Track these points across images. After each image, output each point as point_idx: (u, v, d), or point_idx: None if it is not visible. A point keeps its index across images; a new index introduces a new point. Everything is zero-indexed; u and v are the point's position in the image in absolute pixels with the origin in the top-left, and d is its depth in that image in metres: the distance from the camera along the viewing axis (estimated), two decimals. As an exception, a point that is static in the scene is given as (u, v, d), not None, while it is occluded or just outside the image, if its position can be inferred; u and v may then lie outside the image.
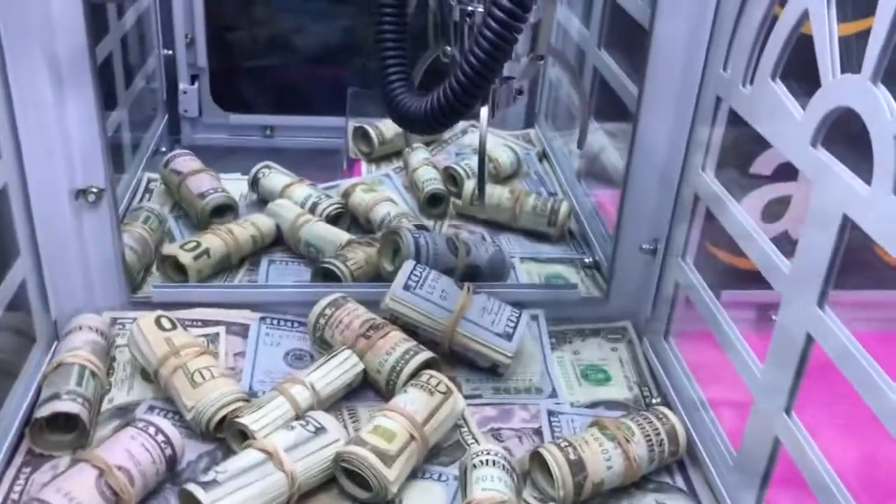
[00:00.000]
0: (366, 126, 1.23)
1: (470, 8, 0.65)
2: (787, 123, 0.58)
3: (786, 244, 0.90)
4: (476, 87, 0.61)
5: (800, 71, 0.61)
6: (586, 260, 1.00)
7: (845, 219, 0.52)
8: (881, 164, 0.49)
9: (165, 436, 0.67)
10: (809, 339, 0.56)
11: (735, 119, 0.73)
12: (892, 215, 0.48)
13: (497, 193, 1.07)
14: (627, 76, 0.94)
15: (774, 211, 0.86)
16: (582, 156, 1.15)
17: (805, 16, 0.56)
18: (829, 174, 0.54)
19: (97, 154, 0.77)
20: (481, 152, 0.72)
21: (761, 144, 0.88)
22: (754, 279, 0.91)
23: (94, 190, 0.79)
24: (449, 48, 0.70)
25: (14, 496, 0.66)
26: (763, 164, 0.86)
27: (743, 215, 0.67)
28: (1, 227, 0.70)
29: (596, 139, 1.11)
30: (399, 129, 1.24)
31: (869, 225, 0.50)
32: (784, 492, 0.64)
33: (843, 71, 0.53)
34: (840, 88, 0.53)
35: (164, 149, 1.23)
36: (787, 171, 0.87)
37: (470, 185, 1.08)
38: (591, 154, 1.14)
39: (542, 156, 1.27)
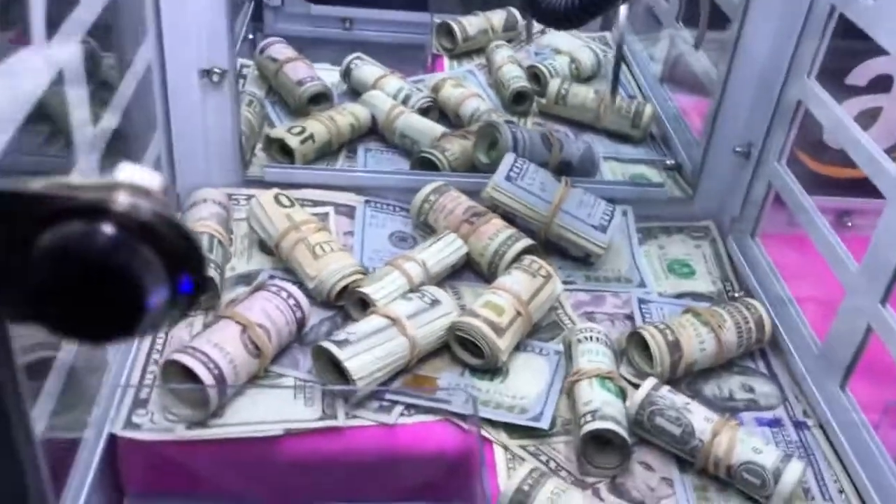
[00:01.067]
0: (450, 22, 1.25)
1: None
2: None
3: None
4: None
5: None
6: (668, 162, 1.04)
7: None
8: None
9: (296, 300, 0.73)
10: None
11: (837, 31, 0.75)
12: None
13: (582, 93, 1.10)
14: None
15: (865, 122, 0.89)
16: (666, 61, 1.17)
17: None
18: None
19: (222, 37, 0.81)
20: (618, 54, 0.74)
21: (858, 57, 0.90)
22: (837, 186, 0.95)
23: (218, 70, 0.83)
24: None
25: (157, 349, 0.73)
26: (858, 76, 0.88)
27: (850, 122, 0.70)
28: (146, 103, 0.75)
29: (681, 42, 1.13)
30: (482, 27, 1.27)
31: None
32: (865, 378, 0.70)
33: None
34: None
35: (251, 36, 1.26)
36: (881, 83, 0.90)
37: (555, 84, 1.11)
38: (673, 59, 1.16)
39: (622, 59, 1.28)
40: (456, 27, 1.24)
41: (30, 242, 0.26)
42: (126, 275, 0.26)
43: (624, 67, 1.27)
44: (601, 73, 1.24)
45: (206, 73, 0.83)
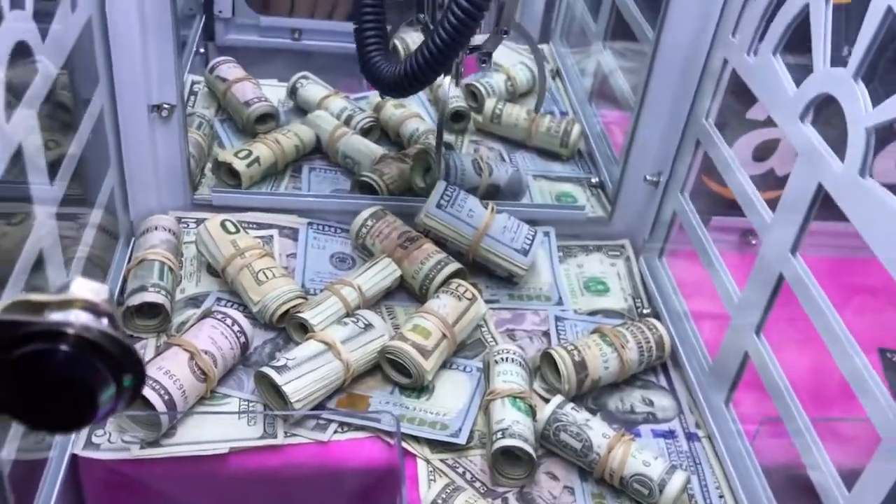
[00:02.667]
0: (393, 39, 1.31)
1: None
2: (781, 97, 0.69)
3: (771, 180, 1.02)
4: (444, 58, 0.71)
5: (797, 47, 0.71)
6: (593, 180, 1.12)
7: (819, 188, 0.64)
8: (853, 148, 0.60)
9: (240, 326, 0.80)
10: (781, 279, 0.69)
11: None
12: (856, 192, 0.60)
13: (515, 113, 1.18)
14: (644, 17, 1.03)
15: (764, 151, 0.98)
16: (595, 77, 1.25)
17: (806, 7, 0.66)
18: (811, 147, 0.66)
19: (171, 75, 0.87)
20: (439, 124, 0.81)
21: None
22: (739, 207, 1.04)
23: (167, 106, 0.88)
24: (422, 15, 0.80)
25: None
26: (758, 111, 0.96)
27: (735, 163, 0.78)
28: (98, 143, 0.80)
29: (607, 61, 1.20)
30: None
31: (838, 196, 0.62)
32: (747, 393, 0.79)
33: (832, 64, 0.63)
34: (827, 78, 0.63)
35: (202, 50, 1.31)
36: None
37: (490, 104, 1.18)
38: (601, 76, 1.24)
39: (556, 73, 1.36)
40: (399, 44, 1.30)
41: (5, 355, 0.33)
42: (80, 383, 0.34)
43: (558, 81, 1.35)
44: (534, 89, 1.31)
45: (156, 108, 0.88)
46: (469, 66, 0.90)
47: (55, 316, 0.35)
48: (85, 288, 0.36)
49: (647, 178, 0.96)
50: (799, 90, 0.68)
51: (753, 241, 1.06)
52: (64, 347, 0.34)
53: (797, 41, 0.71)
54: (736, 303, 0.77)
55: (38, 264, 0.66)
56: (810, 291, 0.65)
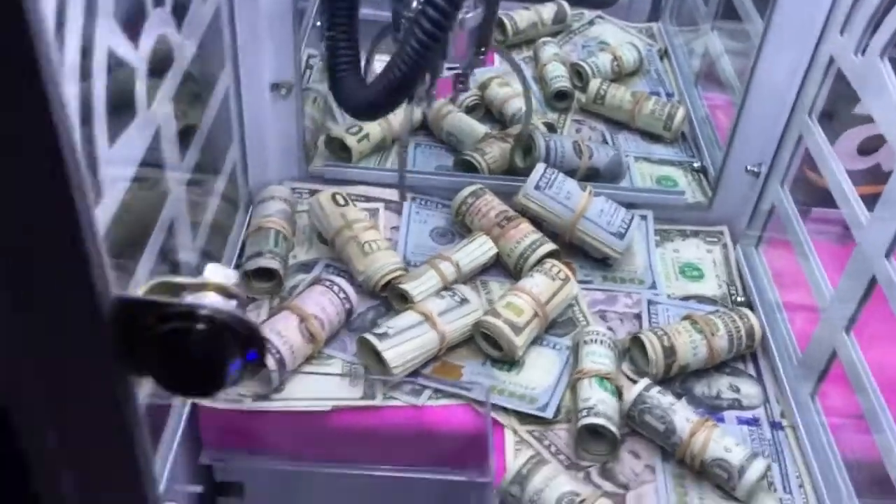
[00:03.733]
0: (501, 16, 1.33)
1: (408, 13, 0.74)
2: (885, 100, 0.69)
3: (877, 175, 1.01)
4: (406, 83, 0.71)
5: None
6: (695, 164, 1.12)
7: (919, 191, 0.64)
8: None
9: (346, 293, 0.86)
10: (874, 280, 0.70)
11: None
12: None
13: (619, 95, 1.19)
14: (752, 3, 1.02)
15: (870, 145, 0.96)
16: (702, 61, 1.24)
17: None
18: (913, 149, 0.65)
19: (289, 55, 0.92)
20: (402, 153, 0.84)
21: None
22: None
23: (286, 84, 0.94)
24: (399, 34, 0.80)
25: (230, 327, 0.87)
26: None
27: (834, 159, 0.78)
28: (224, 118, 0.87)
29: (714, 44, 1.20)
30: (532, 20, 1.35)
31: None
32: (834, 387, 0.80)
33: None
34: (934, 81, 0.63)
35: (318, 23, 1.37)
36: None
37: (595, 85, 1.19)
38: (709, 58, 1.23)
39: (664, 53, 1.35)
40: (507, 21, 1.33)
41: (150, 331, 0.39)
42: (212, 358, 0.40)
43: (665, 63, 1.34)
44: (643, 68, 1.31)
45: (276, 87, 0.94)
46: (444, 89, 0.88)
47: (191, 298, 0.40)
48: (217, 273, 0.42)
49: (749, 168, 0.96)
50: (905, 92, 0.67)
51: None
52: (199, 326, 0.40)
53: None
54: (828, 298, 0.78)
55: (170, 228, 0.73)
56: (902, 293, 0.65)
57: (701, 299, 0.95)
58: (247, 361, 0.41)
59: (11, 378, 0.36)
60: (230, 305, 0.41)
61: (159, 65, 0.65)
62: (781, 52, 0.87)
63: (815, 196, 0.97)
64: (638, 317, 0.92)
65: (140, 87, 0.60)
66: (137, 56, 0.59)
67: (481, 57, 0.83)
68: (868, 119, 0.95)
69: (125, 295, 0.38)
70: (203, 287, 0.41)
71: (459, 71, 0.83)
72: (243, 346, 0.40)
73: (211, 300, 0.40)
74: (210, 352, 0.39)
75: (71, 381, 0.39)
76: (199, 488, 0.84)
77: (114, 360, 0.38)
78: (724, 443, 0.75)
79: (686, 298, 0.95)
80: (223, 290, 0.41)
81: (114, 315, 0.38)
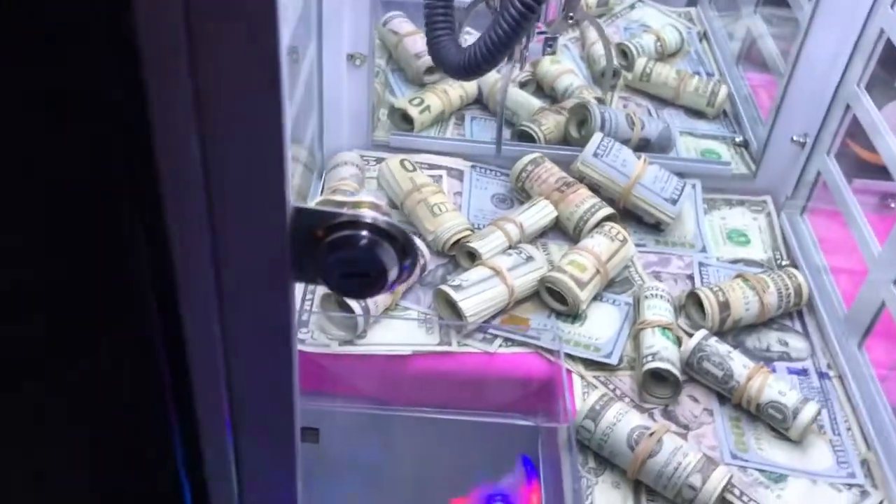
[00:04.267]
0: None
1: None
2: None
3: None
4: (504, 47, 0.77)
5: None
6: (737, 139, 1.18)
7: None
8: None
9: (420, 250, 0.92)
10: (923, 233, 0.76)
11: None
12: None
13: (665, 73, 1.24)
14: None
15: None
16: (743, 42, 1.30)
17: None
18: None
19: (366, 26, 0.98)
20: (500, 109, 0.87)
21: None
22: (884, 172, 1.09)
23: (360, 55, 1.00)
24: (492, 0, 0.85)
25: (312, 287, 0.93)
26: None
27: (885, 127, 0.84)
28: (309, 90, 0.93)
29: (756, 26, 1.25)
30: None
31: None
32: (879, 342, 0.86)
33: None
34: None
35: None
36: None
37: (641, 63, 1.25)
38: (750, 40, 1.28)
39: (703, 36, 1.41)
40: (555, 2, 1.38)
41: (318, 240, 0.45)
42: (377, 261, 0.46)
43: (704, 44, 1.40)
44: (684, 48, 1.37)
45: (351, 57, 1.00)
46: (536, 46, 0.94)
47: (355, 210, 0.46)
48: (370, 195, 0.48)
49: (794, 138, 1.02)
50: (956, 59, 0.73)
51: (893, 205, 1.10)
52: (365, 233, 0.46)
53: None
54: (876, 258, 0.83)
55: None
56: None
57: (748, 262, 1.01)
58: (402, 267, 0.47)
59: (195, 282, 0.41)
60: (387, 220, 0.47)
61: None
62: (829, 29, 0.93)
63: (855, 168, 1.02)
64: (690, 277, 0.98)
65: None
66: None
67: (570, 22, 0.88)
68: (910, 92, 1.01)
69: (301, 205, 0.44)
70: (360, 205, 0.47)
71: (549, 35, 0.89)
72: (401, 252, 0.47)
73: (372, 215, 0.47)
74: (374, 256, 0.46)
75: (250, 287, 0.45)
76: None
77: (292, 264, 0.44)
78: (779, 387, 0.81)
79: (735, 262, 1.01)
80: (376, 207, 0.47)
81: (292, 223, 0.44)
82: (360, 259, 0.46)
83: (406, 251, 0.48)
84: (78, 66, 0.30)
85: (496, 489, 0.92)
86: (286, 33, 0.60)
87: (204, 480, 0.45)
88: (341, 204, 0.47)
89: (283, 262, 0.46)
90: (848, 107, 0.92)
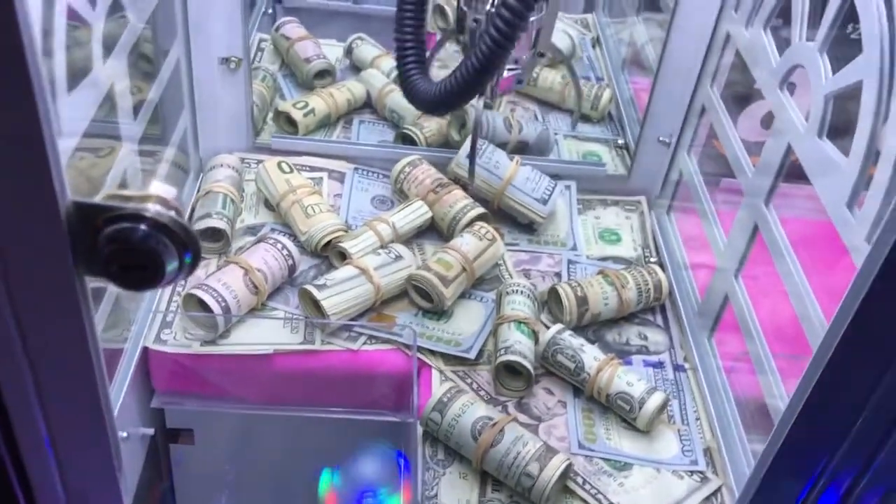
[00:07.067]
0: (442, 3, 1.41)
1: (477, 16, 0.82)
2: (766, 67, 0.78)
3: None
4: (478, 81, 0.77)
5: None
6: (619, 141, 1.21)
7: (788, 147, 0.73)
8: (814, 114, 0.69)
9: (289, 250, 0.93)
10: (756, 228, 0.79)
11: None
12: (814, 150, 0.69)
13: (551, 77, 1.27)
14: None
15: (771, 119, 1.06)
16: (630, 45, 1.33)
17: (790, -13, 0.75)
18: (784, 111, 0.75)
19: (238, 30, 0.99)
20: (474, 135, 0.90)
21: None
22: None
23: (235, 59, 1.01)
24: (462, 37, 0.87)
25: (181, 284, 0.94)
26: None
27: (736, 139, 0.87)
28: (174, 89, 0.94)
29: (640, 32, 1.29)
30: (472, 9, 1.43)
31: (801, 156, 0.71)
32: (728, 333, 0.89)
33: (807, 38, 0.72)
34: (800, 51, 0.72)
35: (270, 11, 1.44)
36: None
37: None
38: (635, 46, 1.32)
39: (595, 42, 1.45)
40: (448, 8, 1.41)
41: (99, 232, 0.46)
42: (154, 254, 0.47)
43: (597, 49, 1.43)
44: (576, 55, 1.40)
45: (225, 61, 1.01)
46: (503, 85, 0.94)
47: (137, 204, 0.47)
48: (159, 188, 0.49)
49: (661, 139, 1.05)
50: (780, 61, 0.76)
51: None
52: (143, 227, 0.47)
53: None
54: (722, 249, 0.87)
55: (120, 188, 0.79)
56: (776, 240, 0.74)
57: (617, 260, 1.04)
58: (182, 262, 0.48)
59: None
60: (170, 213, 0.48)
61: (111, 29, 0.71)
62: (686, 33, 0.96)
63: (723, 167, 1.06)
64: (558, 275, 1.01)
65: (96, 47, 0.67)
66: (94, 14, 0.66)
67: (541, 59, 0.89)
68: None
69: (81, 199, 0.45)
70: (147, 199, 0.48)
71: (519, 70, 0.89)
72: (181, 247, 0.48)
73: (154, 207, 0.48)
74: (151, 249, 0.47)
75: (33, 280, 0.45)
76: (150, 431, 0.90)
77: (72, 258, 0.45)
78: (627, 378, 0.84)
79: (603, 259, 1.04)
80: (164, 202, 0.48)
81: (72, 216, 0.45)
82: (136, 251, 0.47)
83: (187, 243, 0.49)
84: None
85: (367, 485, 0.93)
86: (59, 37, 0.60)
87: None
88: (127, 198, 0.48)
89: (63, 254, 0.47)
90: (703, 108, 0.95)
